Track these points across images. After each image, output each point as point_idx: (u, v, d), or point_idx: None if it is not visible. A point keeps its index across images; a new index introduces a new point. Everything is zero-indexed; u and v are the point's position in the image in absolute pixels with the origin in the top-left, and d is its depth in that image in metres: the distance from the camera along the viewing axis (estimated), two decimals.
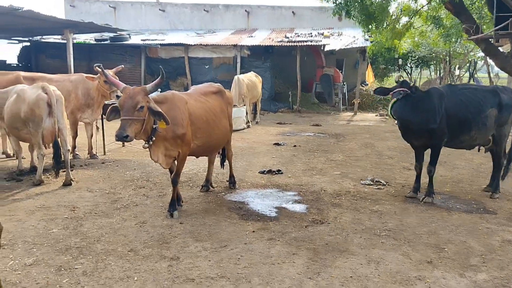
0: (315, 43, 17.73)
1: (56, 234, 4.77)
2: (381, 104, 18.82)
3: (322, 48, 17.63)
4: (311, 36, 18.78)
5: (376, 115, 17.40)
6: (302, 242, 4.62)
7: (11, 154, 8.47)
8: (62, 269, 3.93)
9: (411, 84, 6.03)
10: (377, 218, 5.46)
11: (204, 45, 18.41)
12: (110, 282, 3.71)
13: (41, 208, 5.60)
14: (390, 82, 27.19)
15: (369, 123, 15.23)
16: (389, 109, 6.11)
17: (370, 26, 11.22)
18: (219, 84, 6.56)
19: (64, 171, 6.91)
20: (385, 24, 10.97)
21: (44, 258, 4.14)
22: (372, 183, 7.05)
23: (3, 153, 8.56)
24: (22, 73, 8.71)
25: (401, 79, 6.17)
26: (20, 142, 7.24)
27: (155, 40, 18.88)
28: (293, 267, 4.05)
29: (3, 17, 11.84)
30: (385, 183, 7.03)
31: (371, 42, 18.04)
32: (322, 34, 18.88)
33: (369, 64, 21.28)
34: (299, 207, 5.84)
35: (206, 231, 4.91)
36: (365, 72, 20.79)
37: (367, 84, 21.08)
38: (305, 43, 17.71)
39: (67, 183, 6.69)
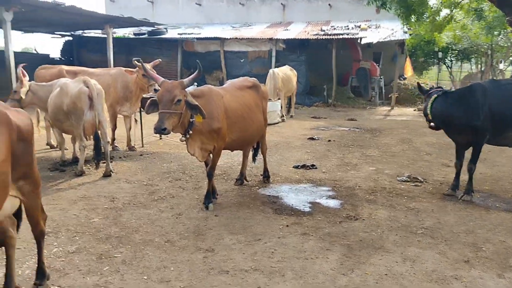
0: (351, 36, 17.48)
1: (96, 223, 4.95)
2: (420, 99, 18.36)
3: (358, 41, 17.36)
4: (348, 29, 18.52)
5: (414, 110, 17.00)
6: (336, 238, 4.61)
7: (55, 145, 8.81)
8: (103, 257, 4.09)
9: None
10: (413, 215, 5.37)
11: (239, 38, 18.49)
12: (147, 271, 3.83)
13: (83, 198, 5.82)
14: (429, 75, 26.49)
15: (406, 118, 14.91)
16: (428, 108, 5.96)
17: (409, 19, 10.94)
18: (254, 78, 6.58)
19: (104, 163, 7.13)
20: (424, 16, 10.67)
21: (86, 246, 4.32)
22: (408, 179, 6.92)
23: (47, 144, 8.93)
24: (65, 67, 9.04)
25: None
26: (63, 134, 7.54)
27: (191, 34, 19.12)
28: (326, 262, 4.05)
29: (46, 12, 12.30)
30: (422, 180, 6.89)
31: (410, 34, 17.60)
32: (359, 26, 18.58)
33: (408, 57, 20.76)
34: (333, 203, 5.81)
35: (240, 224, 4.98)
36: (404, 66, 20.31)
37: (405, 78, 20.61)
38: (341, 36, 17.49)
39: (107, 174, 6.91)
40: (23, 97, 7.04)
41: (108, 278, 3.70)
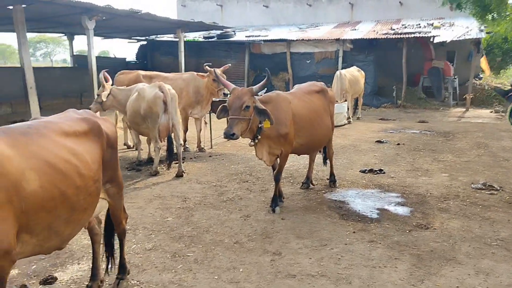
0: (423, 35, 16.83)
1: (170, 222, 5.24)
2: (497, 100, 17.30)
3: (431, 40, 16.66)
4: (419, 27, 17.84)
5: (491, 112, 16.02)
6: (405, 247, 4.54)
7: (131, 146, 9.38)
8: (177, 255, 4.34)
9: None
10: (488, 226, 5.13)
11: (306, 40, 18.46)
12: (218, 271, 4.02)
13: (157, 197, 6.18)
14: (507, 74, 24.82)
15: (482, 120, 14.11)
16: (507, 114, 5.66)
17: (485, 18, 10.36)
18: (322, 83, 6.61)
19: (176, 163, 7.50)
20: (503, 15, 10.04)
21: (161, 244, 4.60)
22: (484, 187, 6.60)
23: (124, 144, 9.53)
24: (141, 72, 9.58)
25: None
26: (139, 135, 8.03)
27: (258, 36, 19.39)
28: (395, 272, 4.01)
29: (124, 19, 13.08)
30: (498, 188, 6.54)
31: (488, 33, 16.61)
32: (432, 24, 17.84)
33: (484, 56, 19.59)
34: (402, 210, 5.70)
35: (307, 229, 5.04)
36: (479, 65, 19.20)
37: (481, 78, 19.49)
38: (412, 35, 16.90)
39: (179, 175, 7.26)
40: (105, 100, 7.57)
41: (181, 276, 3.93)
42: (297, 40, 18.52)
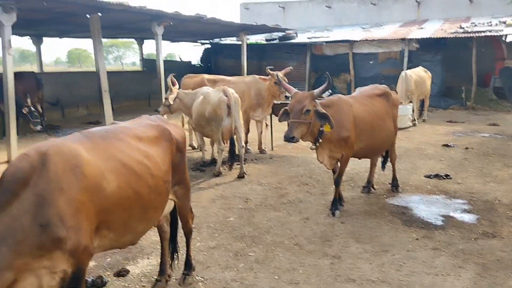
0: (494, 33, 15.96)
1: (232, 222, 5.44)
2: None
3: (503, 39, 15.78)
4: (490, 25, 16.91)
5: None
6: (469, 256, 4.40)
7: (196, 147, 9.75)
8: (238, 254, 4.51)
9: None
10: None
11: (369, 40, 18.12)
12: (278, 271, 4.13)
13: (220, 198, 6.42)
14: None
15: None
16: None
17: None
18: (384, 86, 6.53)
19: (238, 165, 7.72)
20: None
21: (223, 243, 4.80)
22: None
23: (189, 145, 9.92)
24: (206, 76, 9.95)
25: None
26: (204, 137, 8.34)
27: (320, 37, 19.31)
28: (458, 280, 3.92)
29: (190, 24, 13.60)
30: None
31: None
32: (504, 22, 16.84)
33: None
34: (468, 217, 5.50)
35: (367, 234, 5.03)
36: None
37: None
38: (483, 34, 16.06)
39: (240, 176, 7.47)
40: (172, 103, 7.95)
41: (243, 274, 4.09)
42: (360, 40, 18.23)
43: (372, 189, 6.63)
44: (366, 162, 6.88)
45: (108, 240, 2.93)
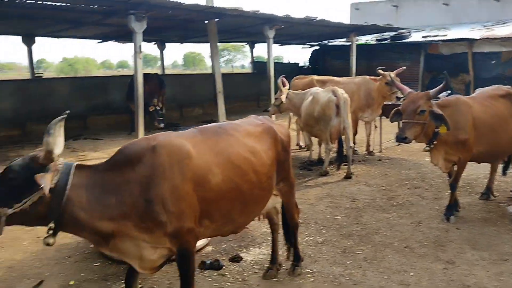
0: None
1: (340, 220, 5.50)
2: None
3: None
4: None
5: None
6: None
7: (303, 146, 9.94)
8: (346, 251, 4.57)
9: None
10: None
11: (491, 38, 16.72)
12: (388, 272, 4.12)
13: (327, 196, 6.50)
14: None
15: None
16: None
17: None
18: (509, 86, 6.06)
19: (345, 165, 7.72)
20: None
21: (331, 240, 4.89)
22: None
23: (296, 144, 10.14)
24: (315, 77, 10.08)
25: None
26: (311, 137, 8.48)
27: (436, 36, 18.28)
28: None
29: (300, 26, 13.82)
30: None
31: None
32: None
33: None
34: None
35: (485, 241, 4.75)
36: None
37: None
38: None
39: (348, 176, 7.47)
40: (284, 101, 8.20)
41: (351, 271, 4.15)
42: (480, 39, 16.91)
43: (491, 196, 6.20)
44: (485, 167, 6.46)
45: (210, 230, 3.18)
